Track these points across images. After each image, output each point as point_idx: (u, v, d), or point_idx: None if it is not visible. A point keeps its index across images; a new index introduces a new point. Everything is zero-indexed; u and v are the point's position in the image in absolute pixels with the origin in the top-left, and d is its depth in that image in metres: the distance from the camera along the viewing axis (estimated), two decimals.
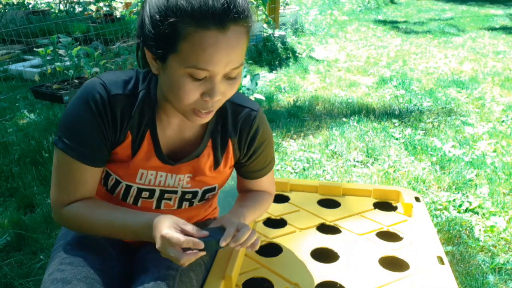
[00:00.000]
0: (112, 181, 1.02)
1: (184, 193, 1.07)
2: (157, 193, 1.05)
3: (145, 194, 1.04)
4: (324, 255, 1.20)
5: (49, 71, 3.17)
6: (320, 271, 1.12)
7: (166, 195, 1.06)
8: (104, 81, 0.94)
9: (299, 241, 1.26)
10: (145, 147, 0.99)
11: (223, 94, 0.89)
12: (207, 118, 0.92)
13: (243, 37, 0.84)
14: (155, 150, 0.99)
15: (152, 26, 0.83)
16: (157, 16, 0.82)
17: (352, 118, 3.46)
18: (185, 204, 1.10)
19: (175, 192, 1.06)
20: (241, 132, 1.05)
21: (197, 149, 1.02)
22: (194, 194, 1.08)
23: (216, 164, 1.06)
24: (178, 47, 0.82)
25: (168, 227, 0.86)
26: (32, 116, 3.45)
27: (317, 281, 1.08)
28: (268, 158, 1.13)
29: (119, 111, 0.94)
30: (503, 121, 3.46)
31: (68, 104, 0.96)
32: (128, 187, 1.02)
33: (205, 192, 1.09)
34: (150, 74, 0.99)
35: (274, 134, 3.15)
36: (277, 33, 5.56)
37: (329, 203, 1.46)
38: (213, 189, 1.10)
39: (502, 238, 2.03)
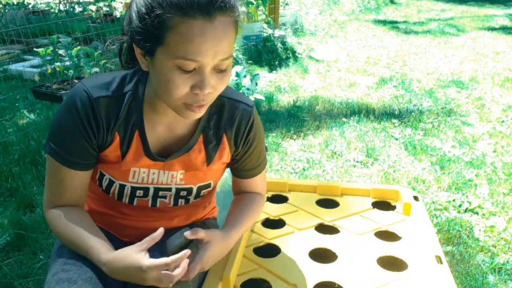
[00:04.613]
0: (106, 181, 1.03)
1: (178, 190, 1.07)
2: (151, 191, 1.05)
3: (139, 192, 1.05)
4: (322, 255, 1.20)
5: (49, 71, 3.18)
6: (319, 272, 1.12)
7: (160, 193, 1.06)
8: (86, 86, 0.93)
9: (298, 241, 1.26)
10: (134, 147, 0.99)
11: (214, 87, 0.87)
12: (200, 113, 0.90)
13: (230, 28, 0.84)
14: (144, 150, 0.99)
15: (139, 20, 0.84)
16: (144, 10, 0.83)
17: (352, 118, 3.46)
18: (181, 202, 1.10)
19: (169, 189, 1.06)
20: (239, 126, 1.05)
21: (187, 144, 1.02)
22: (189, 191, 1.08)
23: (208, 159, 1.05)
24: (165, 39, 0.82)
25: (140, 256, 0.88)
26: (32, 116, 3.45)
27: (315, 281, 1.08)
28: (261, 155, 1.14)
29: (103, 114, 0.94)
30: (503, 121, 3.46)
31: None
32: (122, 186, 1.03)
33: (200, 188, 1.09)
34: (138, 74, 0.98)
35: (273, 134, 3.15)
36: (277, 33, 5.57)
37: (327, 203, 1.46)
38: (208, 185, 1.11)
39: (502, 238, 2.03)
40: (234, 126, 1.05)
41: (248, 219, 1.13)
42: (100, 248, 0.93)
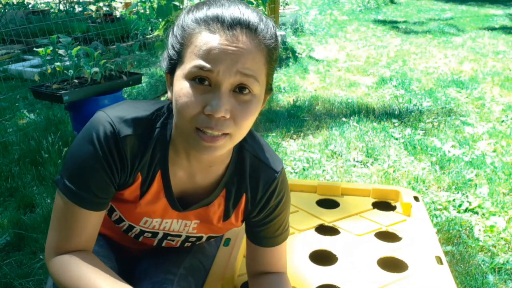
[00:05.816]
0: (116, 216, 0.97)
1: (188, 237, 1.03)
2: (160, 235, 1.01)
3: (147, 234, 1.01)
4: (323, 257, 1.20)
5: (49, 71, 3.17)
6: (319, 274, 1.12)
7: (169, 237, 1.02)
8: (113, 120, 0.84)
9: (298, 243, 1.25)
10: (155, 188, 0.91)
11: (232, 114, 0.76)
12: (214, 148, 0.78)
13: (256, 51, 0.76)
14: (165, 192, 0.92)
15: (170, 44, 0.81)
16: (174, 38, 0.81)
17: (352, 118, 3.46)
18: (187, 244, 1.07)
19: (179, 236, 1.02)
20: (257, 191, 0.96)
21: (209, 197, 0.94)
22: (199, 238, 1.04)
23: (225, 216, 0.98)
24: (184, 55, 0.78)
25: None
26: (31, 116, 3.45)
27: (315, 284, 1.08)
28: (283, 226, 1.02)
29: (128, 154, 0.85)
30: (503, 121, 3.46)
31: (74, 141, 0.87)
32: (131, 227, 0.99)
33: (210, 237, 1.05)
34: (169, 111, 0.90)
35: (273, 134, 3.15)
36: (277, 33, 5.56)
37: (328, 203, 1.46)
38: (219, 235, 1.07)
39: (501, 238, 2.03)
40: (254, 189, 0.96)
41: None
42: None
